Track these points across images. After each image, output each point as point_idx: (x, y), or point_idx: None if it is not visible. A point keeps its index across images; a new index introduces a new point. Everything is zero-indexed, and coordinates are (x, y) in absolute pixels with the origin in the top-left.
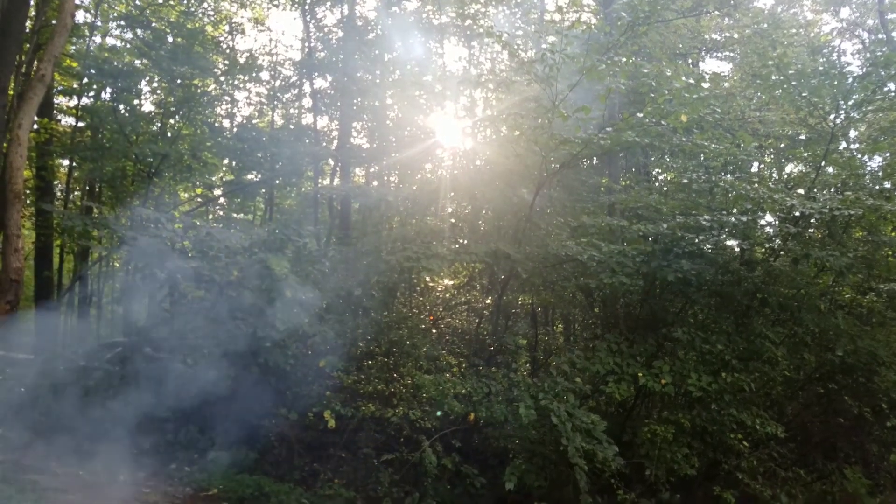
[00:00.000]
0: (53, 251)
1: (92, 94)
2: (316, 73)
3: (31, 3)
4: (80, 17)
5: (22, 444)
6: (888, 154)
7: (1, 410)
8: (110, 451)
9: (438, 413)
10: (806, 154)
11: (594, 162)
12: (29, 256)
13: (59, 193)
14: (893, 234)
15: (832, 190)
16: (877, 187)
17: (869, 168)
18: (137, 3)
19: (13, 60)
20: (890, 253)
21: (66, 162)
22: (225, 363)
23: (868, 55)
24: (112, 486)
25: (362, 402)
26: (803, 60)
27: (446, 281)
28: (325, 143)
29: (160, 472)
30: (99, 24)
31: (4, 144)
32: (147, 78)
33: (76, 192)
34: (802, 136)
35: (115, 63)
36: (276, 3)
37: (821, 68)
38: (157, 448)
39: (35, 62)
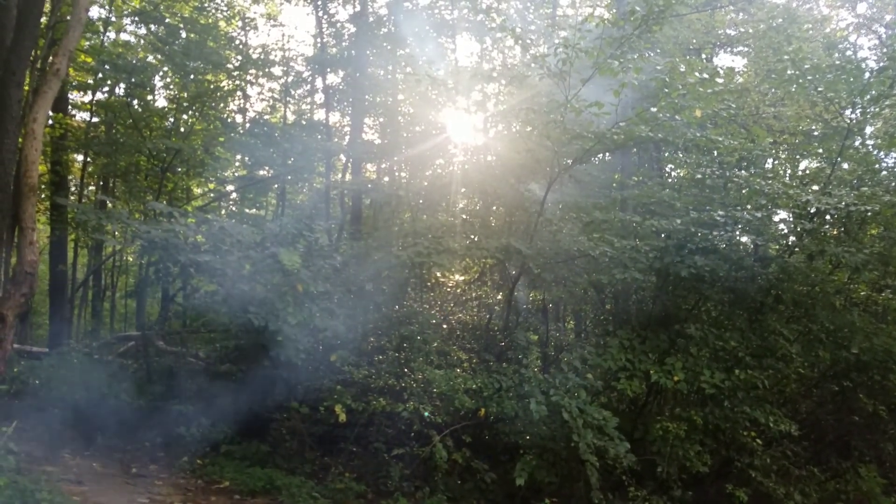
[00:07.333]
0: (68, 245)
1: (106, 89)
2: (328, 69)
3: None
4: (95, 12)
5: (35, 436)
6: None
7: (15, 402)
8: (123, 444)
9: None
10: (821, 150)
11: (607, 157)
12: (43, 250)
13: (73, 188)
14: None
15: (848, 186)
16: (893, 183)
17: (885, 164)
18: None
19: (29, 55)
20: None
21: (80, 157)
22: (237, 357)
23: (885, 50)
24: (124, 477)
25: (373, 396)
26: (819, 56)
27: (457, 276)
28: (336, 139)
29: (172, 464)
30: (113, 19)
31: (20, 138)
32: (160, 73)
33: (90, 187)
34: (817, 132)
35: (129, 58)
36: None
37: (836, 63)
38: (169, 441)
39: (50, 57)
